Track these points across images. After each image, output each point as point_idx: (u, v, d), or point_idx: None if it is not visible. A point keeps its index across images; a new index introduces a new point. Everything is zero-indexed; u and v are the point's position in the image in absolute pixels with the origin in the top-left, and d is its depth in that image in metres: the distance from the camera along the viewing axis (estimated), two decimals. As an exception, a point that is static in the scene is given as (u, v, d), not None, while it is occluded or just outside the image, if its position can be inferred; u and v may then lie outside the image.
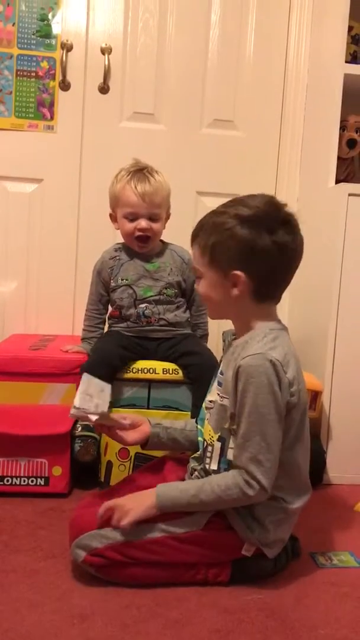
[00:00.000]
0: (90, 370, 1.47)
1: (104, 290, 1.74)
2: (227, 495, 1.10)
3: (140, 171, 1.65)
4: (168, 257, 1.72)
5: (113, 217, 1.72)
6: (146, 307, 1.67)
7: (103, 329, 1.77)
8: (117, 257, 1.72)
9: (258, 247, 1.11)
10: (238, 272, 1.13)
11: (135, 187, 1.62)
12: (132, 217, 1.65)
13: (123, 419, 1.31)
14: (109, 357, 1.58)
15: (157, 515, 1.13)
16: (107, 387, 1.33)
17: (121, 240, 1.74)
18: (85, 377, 1.31)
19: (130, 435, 1.31)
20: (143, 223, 1.64)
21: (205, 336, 1.80)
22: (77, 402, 1.24)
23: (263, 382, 1.09)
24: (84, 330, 1.77)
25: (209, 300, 1.21)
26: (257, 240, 1.11)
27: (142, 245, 1.68)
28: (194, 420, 1.36)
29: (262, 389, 1.09)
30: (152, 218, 1.65)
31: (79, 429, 1.60)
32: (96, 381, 1.31)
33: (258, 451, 1.09)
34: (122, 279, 1.69)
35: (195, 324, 1.77)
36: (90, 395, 1.26)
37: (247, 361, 1.10)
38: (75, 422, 1.60)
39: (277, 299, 1.21)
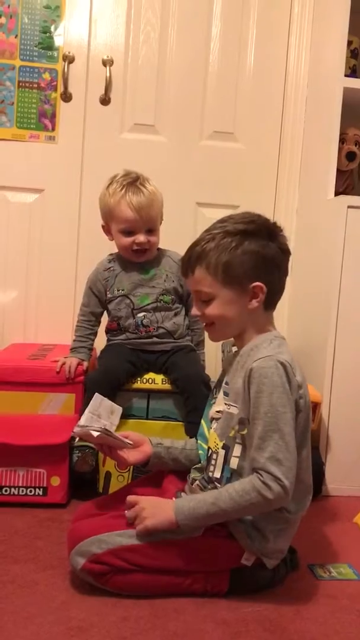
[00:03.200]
0: (96, 385, 1.47)
1: (97, 302, 1.72)
2: (245, 500, 1.08)
3: (134, 183, 1.62)
4: (163, 264, 1.72)
5: (106, 229, 1.70)
6: (144, 316, 1.67)
7: (93, 340, 1.75)
8: (111, 268, 1.71)
9: (269, 256, 1.17)
10: (259, 284, 1.17)
11: (131, 202, 1.60)
12: (129, 232, 1.64)
13: (125, 438, 1.29)
14: (115, 373, 1.57)
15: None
16: (117, 410, 1.33)
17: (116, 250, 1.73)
18: (97, 397, 1.30)
19: (132, 456, 1.30)
20: (141, 238, 1.63)
21: (201, 342, 1.79)
22: (82, 420, 1.24)
23: (277, 382, 1.10)
24: (74, 340, 1.74)
25: (222, 319, 1.21)
26: (267, 251, 1.17)
27: (140, 257, 1.68)
28: (193, 439, 1.36)
29: (276, 388, 1.10)
30: (149, 230, 1.65)
31: (77, 439, 1.59)
32: (107, 403, 1.31)
33: (277, 450, 1.08)
34: (118, 290, 1.69)
35: (192, 329, 1.77)
36: (99, 416, 1.26)
37: (258, 364, 1.12)
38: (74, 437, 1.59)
39: (276, 305, 1.25)
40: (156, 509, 1.14)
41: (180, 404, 1.63)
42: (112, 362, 1.60)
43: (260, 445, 1.09)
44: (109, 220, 1.67)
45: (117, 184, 1.63)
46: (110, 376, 1.56)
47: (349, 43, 1.90)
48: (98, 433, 1.21)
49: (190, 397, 1.57)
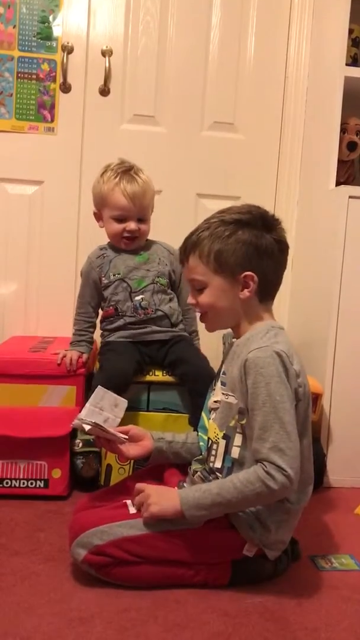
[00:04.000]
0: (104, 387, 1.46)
1: (94, 292, 1.72)
2: (250, 490, 1.07)
3: (128, 172, 1.65)
4: (154, 250, 1.74)
5: (98, 216, 1.72)
6: (142, 298, 1.67)
7: (92, 332, 1.74)
8: (104, 255, 1.72)
9: (262, 246, 1.17)
10: (250, 273, 1.17)
11: (125, 190, 1.62)
12: (121, 219, 1.66)
13: (124, 433, 1.29)
14: (123, 376, 1.54)
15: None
16: (122, 403, 1.32)
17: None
18: (100, 390, 1.29)
19: (132, 450, 1.30)
20: (132, 225, 1.65)
21: (195, 332, 1.79)
22: (83, 413, 1.24)
23: (273, 372, 1.10)
24: (73, 334, 1.73)
25: (212, 309, 1.22)
26: (261, 241, 1.17)
27: (129, 244, 1.69)
28: (195, 432, 1.36)
29: (273, 378, 1.10)
30: (140, 219, 1.67)
31: (80, 445, 1.59)
32: (111, 396, 1.30)
33: (279, 440, 1.08)
34: (113, 274, 1.69)
35: (185, 317, 1.76)
36: (101, 409, 1.26)
37: (254, 354, 1.12)
38: (75, 432, 1.58)
39: (273, 297, 1.25)
40: (162, 497, 1.14)
41: (181, 395, 1.62)
42: (119, 364, 1.57)
43: (262, 436, 1.09)
44: (102, 207, 1.69)
45: (111, 172, 1.65)
46: (118, 379, 1.52)
47: (350, 32, 1.88)
48: (89, 427, 1.21)
49: (199, 393, 1.55)
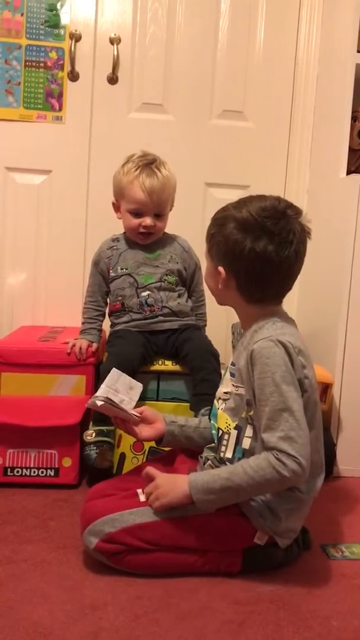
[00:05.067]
0: None
1: (102, 281, 1.72)
2: (260, 476, 1.07)
3: (149, 165, 1.62)
4: (168, 245, 1.72)
5: (116, 207, 1.70)
6: (148, 295, 1.66)
7: (102, 321, 1.74)
8: (115, 247, 1.71)
9: (238, 250, 1.15)
10: (220, 268, 1.19)
11: (144, 184, 1.59)
12: (138, 213, 1.64)
13: (139, 413, 1.30)
14: (129, 361, 1.53)
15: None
16: (137, 386, 1.33)
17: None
18: (115, 372, 1.30)
19: (145, 431, 1.30)
20: (148, 221, 1.63)
21: (203, 326, 1.79)
22: (99, 392, 1.24)
23: (279, 362, 1.10)
24: (83, 323, 1.73)
25: (207, 285, 1.29)
26: (241, 244, 1.15)
27: (144, 239, 1.68)
28: (206, 418, 1.36)
29: (279, 368, 1.10)
30: (157, 215, 1.65)
31: (93, 434, 1.52)
32: (126, 378, 1.31)
33: (289, 428, 1.07)
34: (121, 269, 1.68)
35: (196, 314, 1.77)
36: (116, 390, 1.26)
37: (259, 344, 1.12)
38: (86, 423, 1.57)
39: (273, 301, 1.22)
40: (171, 485, 1.14)
41: (190, 385, 1.62)
42: (125, 350, 1.58)
43: (271, 425, 1.09)
44: (120, 198, 1.67)
45: (132, 164, 1.63)
46: (124, 365, 1.50)
47: (361, 18, 1.86)
48: (102, 402, 1.22)
49: (200, 370, 1.56)
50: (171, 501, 1.13)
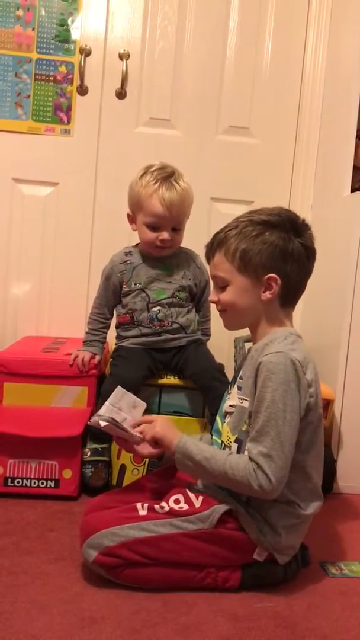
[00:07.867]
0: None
1: (112, 295, 1.70)
2: (234, 475, 1.11)
3: (168, 179, 1.59)
4: (182, 261, 1.71)
5: (131, 218, 1.67)
6: (159, 310, 1.65)
7: (106, 333, 1.73)
8: (129, 261, 1.68)
9: (289, 250, 1.16)
10: (273, 275, 1.17)
11: (163, 198, 1.56)
12: (155, 227, 1.61)
13: (139, 433, 1.28)
14: (132, 384, 1.50)
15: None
16: (141, 405, 1.33)
17: (135, 241, 1.72)
18: (119, 390, 1.29)
19: (146, 449, 1.29)
20: (165, 235, 1.60)
21: (207, 340, 1.79)
22: (101, 411, 1.24)
23: (283, 379, 1.10)
24: (87, 333, 1.72)
25: (233, 307, 1.22)
26: (288, 244, 1.16)
27: (160, 252, 1.66)
28: (208, 434, 1.36)
29: (281, 386, 1.10)
30: (174, 228, 1.63)
31: (88, 453, 1.58)
32: (130, 397, 1.31)
33: (271, 447, 1.09)
34: (135, 283, 1.66)
35: (201, 329, 1.77)
36: (119, 409, 1.26)
37: (268, 358, 1.12)
38: (85, 437, 1.58)
39: (295, 303, 1.25)
40: (168, 428, 1.22)
41: (193, 398, 1.63)
42: (127, 373, 1.57)
43: (257, 438, 1.11)
44: (137, 210, 1.63)
45: (151, 176, 1.59)
46: (125, 388, 1.51)
47: (368, 38, 1.88)
48: (106, 423, 1.22)
49: (210, 390, 1.56)
50: (162, 436, 1.20)
